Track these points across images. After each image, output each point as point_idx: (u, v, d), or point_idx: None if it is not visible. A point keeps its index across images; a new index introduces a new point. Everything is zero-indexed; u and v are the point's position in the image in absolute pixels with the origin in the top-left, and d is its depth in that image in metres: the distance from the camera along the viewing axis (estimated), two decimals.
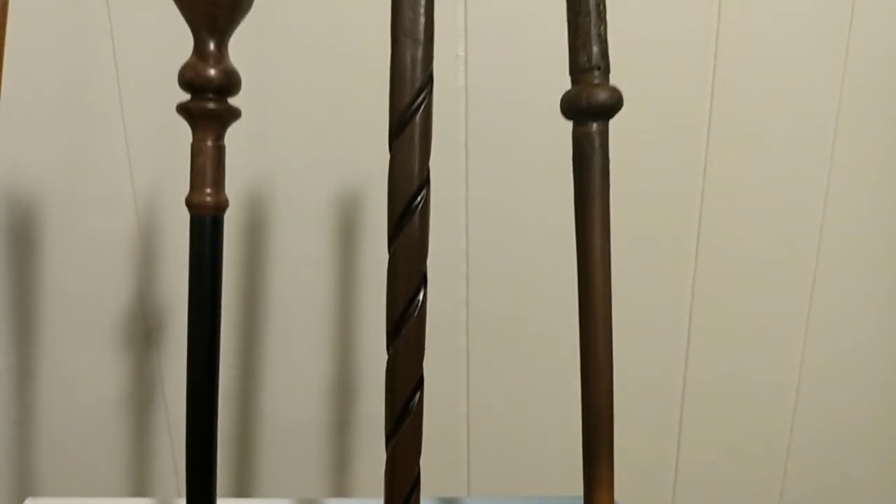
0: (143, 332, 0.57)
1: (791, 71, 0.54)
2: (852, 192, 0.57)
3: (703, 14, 0.53)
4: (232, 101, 0.30)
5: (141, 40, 0.51)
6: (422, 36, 0.29)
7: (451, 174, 0.54)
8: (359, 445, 0.61)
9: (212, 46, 0.29)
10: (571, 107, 0.30)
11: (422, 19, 0.29)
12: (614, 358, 0.31)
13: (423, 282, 0.29)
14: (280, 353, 0.58)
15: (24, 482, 0.60)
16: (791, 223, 0.58)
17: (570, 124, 0.31)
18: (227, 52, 0.30)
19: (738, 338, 0.60)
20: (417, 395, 0.29)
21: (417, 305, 0.29)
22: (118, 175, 0.54)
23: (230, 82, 0.29)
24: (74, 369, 0.58)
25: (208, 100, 0.29)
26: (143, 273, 0.56)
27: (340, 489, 0.61)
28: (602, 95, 0.30)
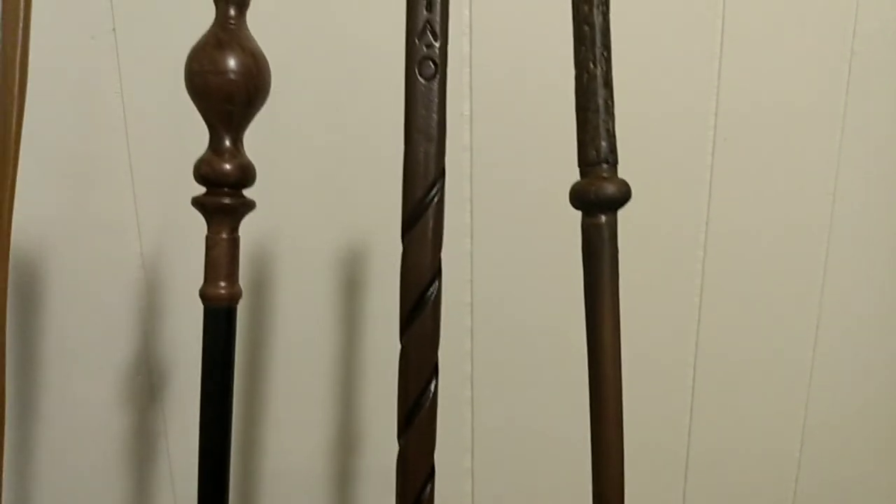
0: (146, 385, 0.57)
1: (791, 126, 0.55)
2: (854, 227, 0.58)
3: (705, 71, 0.54)
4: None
5: (150, 98, 0.51)
6: (435, 133, 0.29)
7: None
8: (362, 499, 0.60)
9: (227, 143, 0.29)
10: (580, 198, 0.31)
11: (434, 116, 0.29)
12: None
13: (435, 373, 0.29)
14: (284, 408, 0.58)
15: None
16: (791, 292, 0.59)
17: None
18: (242, 146, 0.30)
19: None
20: (428, 487, 0.29)
21: (429, 397, 0.29)
22: (125, 230, 0.54)
23: (245, 176, 0.30)
24: (78, 422, 0.58)
25: (224, 194, 0.29)
26: (147, 327, 0.56)
27: None
28: (611, 189, 0.30)
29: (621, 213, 0.55)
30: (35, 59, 0.50)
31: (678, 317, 0.59)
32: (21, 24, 0.33)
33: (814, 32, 0.54)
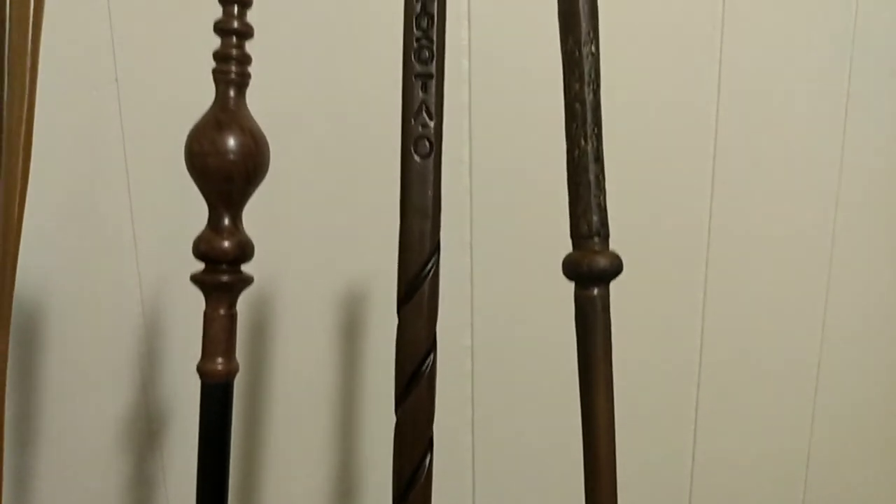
0: (145, 431, 0.57)
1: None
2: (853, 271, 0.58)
3: (703, 116, 0.55)
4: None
5: (152, 148, 0.52)
6: (430, 209, 0.30)
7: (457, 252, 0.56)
8: None
9: (226, 221, 0.30)
10: (573, 271, 0.31)
11: (430, 193, 0.30)
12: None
13: (430, 447, 0.30)
14: (281, 452, 0.58)
15: None
16: (794, 317, 0.59)
17: None
18: (240, 223, 0.31)
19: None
20: None
21: (424, 471, 0.29)
22: (126, 278, 0.54)
23: (244, 253, 0.30)
24: (77, 470, 0.58)
25: (222, 271, 0.30)
26: (146, 374, 0.56)
27: None
28: (602, 262, 0.31)
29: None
30: (38, 110, 0.51)
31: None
32: (28, 78, 0.34)
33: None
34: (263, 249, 0.54)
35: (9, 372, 0.56)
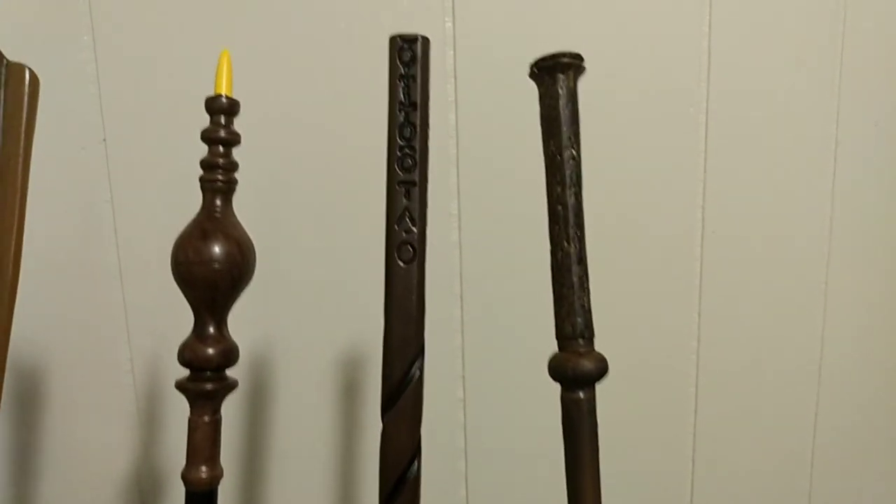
0: (140, 500, 0.57)
1: (779, 215, 0.56)
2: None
3: (691, 164, 0.55)
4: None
5: (141, 208, 0.52)
6: (414, 313, 0.30)
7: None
8: None
9: (211, 328, 0.30)
10: (558, 373, 0.31)
11: (413, 298, 0.30)
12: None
13: None
14: None
15: None
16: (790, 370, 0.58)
17: None
18: (226, 329, 0.31)
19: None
20: None
21: None
22: (116, 339, 0.54)
23: (228, 360, 0.30)
24: None
25: (206, 379, 0.30)
26: (139, 441, 0.56)
27: None
28: (587, 365, 0.31)
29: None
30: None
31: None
32: (21, 155, 0.34)
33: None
34: (263, 312, 0.55)
35: (2, 438, 0.56)
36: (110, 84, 0.51)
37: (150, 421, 0.56)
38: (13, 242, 0.34)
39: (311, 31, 0.51)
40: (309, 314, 0.55)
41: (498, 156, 0.54)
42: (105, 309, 0.54)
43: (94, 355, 0.55)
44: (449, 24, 0.52)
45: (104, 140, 0.52)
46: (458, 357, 0.56)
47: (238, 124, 0.33)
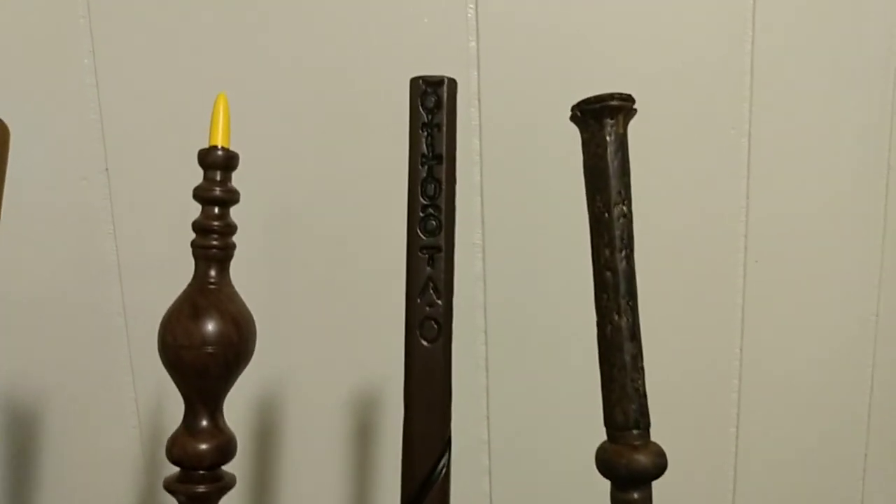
0: None
1: (826, 244, 0.52)
2: None
3: (733, 198, 0.51)
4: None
5: (143, 239, 0.50)
6: (438, 401, 0.26)
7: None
8: None
9: (204, 421, 0.26)
10: (609, 470, 0.26)
11: (437, 384, 0.26)
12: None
13: None
14: None
15: None
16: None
17: None
18: (221, 419, 0.27)
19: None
20: None
21: None
22: (119, 376, 0.51)
23: (224, 457, 0.26)
24: None
25: (198, 480, 0.26)
26: (144, 486, 0.52)
27: None
28: (644, 461, 0.26)
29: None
30: (27, 200, 0.48)
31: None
32: None
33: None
34: (273, 352, 0.51)
35: (2, 481, 0.53)
36: (112, 111, 0.48)
37: (155, 459, 0.53)
38: None
39: (320, 67, 0.48)
40: (320, 352, 0.51)
41: (524, 183, 0.50)
42: (108, 343, 0.51)
43: (96, 401, 0.51)
44: (473, 44, 0.49)
45: (106, 170, 0.49)
46: (482, 397, 0.52)
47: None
